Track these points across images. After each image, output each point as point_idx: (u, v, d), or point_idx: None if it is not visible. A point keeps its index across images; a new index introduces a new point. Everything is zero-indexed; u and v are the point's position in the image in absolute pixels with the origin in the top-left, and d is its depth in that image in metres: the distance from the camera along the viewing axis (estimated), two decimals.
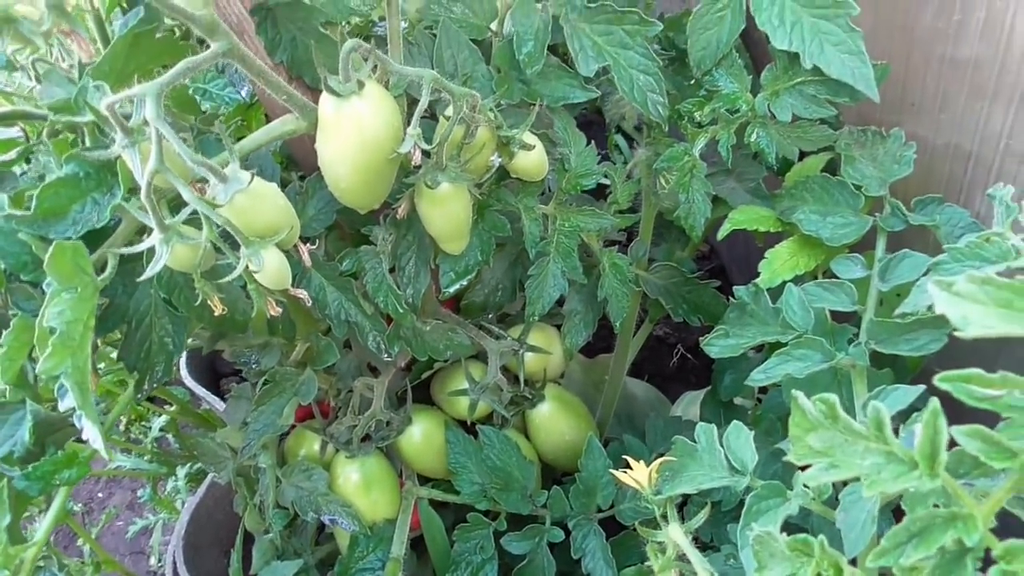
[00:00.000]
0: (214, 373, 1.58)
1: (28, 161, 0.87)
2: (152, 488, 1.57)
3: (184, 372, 1.34)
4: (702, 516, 0.56)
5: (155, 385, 0.67)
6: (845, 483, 0.54)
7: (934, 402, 0.36)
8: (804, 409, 0.40)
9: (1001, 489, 0.35)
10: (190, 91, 0.86)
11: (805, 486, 0.51)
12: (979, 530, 0.34)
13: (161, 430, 1.60)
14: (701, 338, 0.75)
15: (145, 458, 1.57)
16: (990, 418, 0.36)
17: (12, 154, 0.81)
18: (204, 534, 1.17)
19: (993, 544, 0.34)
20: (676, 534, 0.51)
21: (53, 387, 0.53)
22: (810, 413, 0.39)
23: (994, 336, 0.34)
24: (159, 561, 1.61)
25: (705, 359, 1.41)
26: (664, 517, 0.55)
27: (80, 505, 1.72)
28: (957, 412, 0.39)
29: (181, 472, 1.51)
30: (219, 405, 1.29)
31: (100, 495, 1.81)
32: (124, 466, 1.56)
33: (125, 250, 0.57)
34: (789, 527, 0.50)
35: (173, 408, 1.54)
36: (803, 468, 0.55)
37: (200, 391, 1.34)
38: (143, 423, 1.71)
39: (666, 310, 0.90)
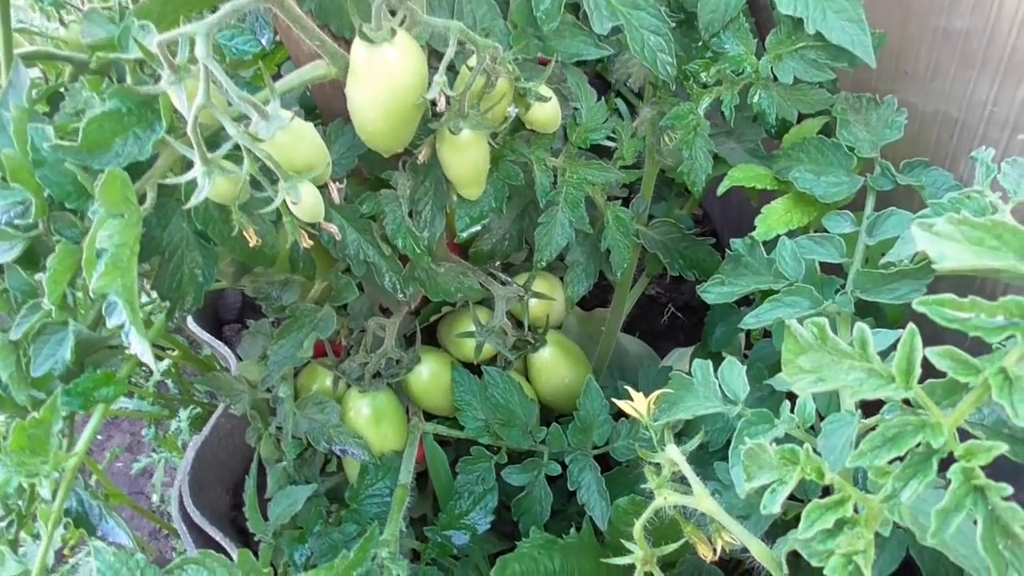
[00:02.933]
0: (216, 320, 1.62)
1: (49, 103, 0.90)
2: (154, 429, 1.62)
3: (189, 318, 1.38)
4: (697, 440, 0.61)
5: (185, 314, 0.71)
6: (823, 418, 0.59)
7: (911, 326, 0.41)
8: (797, 334, 0.45)
9: (966, 401, 0.40)
10: None
11: (791, 414, 0.56)
12: (944, 435, 0.39)
13: (162, 374, 1.64)
14: (697, 286, 0.80)
15: (147, 401, 1.61)
16: None
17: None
18: (208, 471, 1.21)
19: (955, 447, 0.39)
20: (674, 453, 0.56)
21: (102, 306, 0.57)
22: (802, 337, 0.44)
23: (966, 269, 0.39)
24: (161, 500, 1.66)
25: (694, 318, 1.47)
26: (661, 442, 0.60)
27: None
28: None
29: (184, 414, 1.56)
30: (222, 350, 1.34)
31: (99, 437, 1.85)
32: (126, 407, 1.60)
33: (165, 181, 0.61)
34: None
35: (175, 353, 1.58)
36: (791, 399, 0.60)
37: (205, 336, 1.38)
38: (143, 368, 1.74)
39: (663, 264, 0.95)
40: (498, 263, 0.93)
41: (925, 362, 0.43)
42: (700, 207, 1.54)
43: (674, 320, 1.47)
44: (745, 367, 0.85)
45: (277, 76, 0.94)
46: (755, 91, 0.75)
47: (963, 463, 0.39)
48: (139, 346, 0.55)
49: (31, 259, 0.67)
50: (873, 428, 0.47)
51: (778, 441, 0.55)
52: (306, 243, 0.61)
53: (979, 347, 0.44)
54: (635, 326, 1.42)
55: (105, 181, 0.55)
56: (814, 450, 0.51)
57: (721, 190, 0.79)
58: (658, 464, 0.60)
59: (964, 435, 0.45)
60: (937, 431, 0.39)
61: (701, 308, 0.94)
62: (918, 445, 0.40)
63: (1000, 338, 0.38)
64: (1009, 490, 0.38)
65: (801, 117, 0.79)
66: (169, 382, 1.65)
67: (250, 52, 0.91)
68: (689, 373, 0.73)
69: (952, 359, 0.39)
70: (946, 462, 0.42)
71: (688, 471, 0.55)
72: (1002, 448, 0.38)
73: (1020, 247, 0.37)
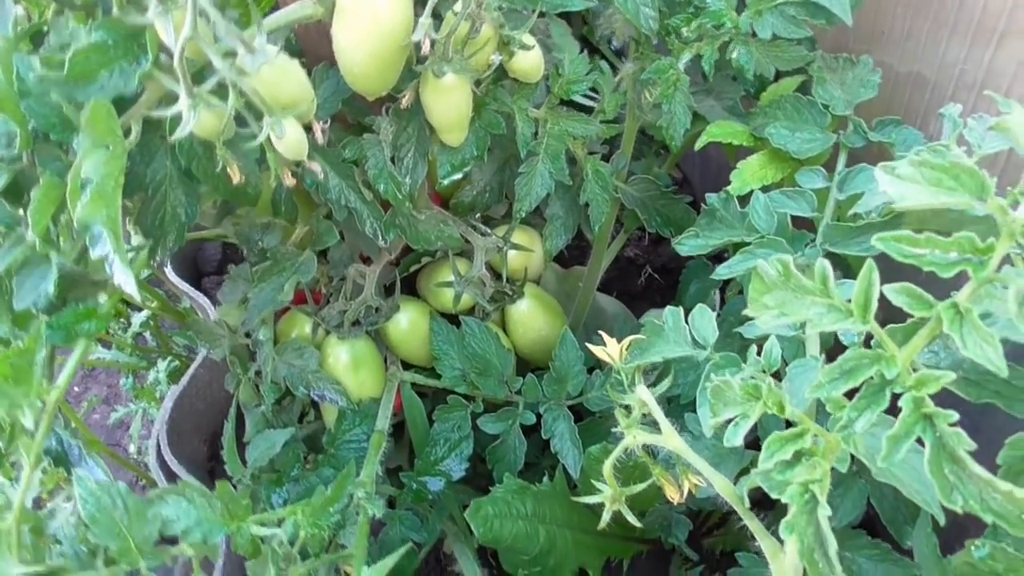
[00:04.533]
0: (196, 272, 1.62)
1: (32, 42, 0.89)
2: (132, 380, 1.62)
3: (168, 270, 1.38)
4: (667, 383, 0.63)
5: (168, 252, 0.72)
6: (787, 362, 0.61)
7: (870, 261, 0.43)
8: (763, 273, 0.46)
9: (920, 335, 0.42)
10: None
11: (757, 357, 0.58)
12: (898, 367, 0.41)
13: (140, 326, 1.64)
14: (675, 244, 0.82)
15: (125, 352, 1.61)
16: None
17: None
18: (186, 421, 1.22)
19: (907, 378, 0.41)
20: (644, 394, 0.58)
21: (86, 238, 0.58)
22: (768, 276, 0.46)
23: (925, 207, 0.40)
24: (138, 451, 1.67)
25: (670, 279, 1.49)
26: (632, 384, 0.62)
27: None
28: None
29: (162, 365, 1.56)
30: (201, 300, 1.34)
31: (76, 389, 1.84)
32: (103, 357, 1.61)
33: (152, 114, 0.61)
34: None
35: (154, 304, 1.58)
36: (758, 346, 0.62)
37: (184, 286, 1.39)
38: (122, 320, 1.74)
39: (641, 221, 0.97)
40: (478, 215, 0.94)
41: (886, 312, 0.45)
42: (679, 170, 1.56)
43: (651, 282, 1.49)
44: (718, 323, 0.88)
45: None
46: (734, 47, 0.76)
47: (913, 392, 0.41)
48: (123, 275, 0.56)
49: (14, 192, 0.67)
50: None
51: None
52: (289, 181, 0.62)
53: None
54: (612, 287, 1.44)
55: (91, 113, 0.56)
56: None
57: (699, 145, 0.80)
58: (629, 407, 0.62)
59: None
60: (891, 363, 0.41)
61: (677, 270, 0.96)
62: (873, 377, 0.42)
63: (953, 272, 0.40)
64: (955, 416, 0.40)
65: (779, 75, 0.81)
66: (147, 334, 1.66)
67: None
68: None
69: (908, 295, 0.41)
70: (899, 398, 0.44)
71: (656, 410, 0.57)
72: (951, 377, 0.40)
73: (975, 186, 0.39)
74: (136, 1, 0.61)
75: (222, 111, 0.57)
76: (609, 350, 0.66)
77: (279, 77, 0.58)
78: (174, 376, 1.57)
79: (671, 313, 0.66)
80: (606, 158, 0.93)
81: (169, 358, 1.59)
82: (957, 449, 0.39)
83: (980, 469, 0.39)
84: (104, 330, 0.69)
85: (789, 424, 0.49)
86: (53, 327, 0.67)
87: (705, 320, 0.64)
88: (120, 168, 0.58)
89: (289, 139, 0.58)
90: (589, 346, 0.67)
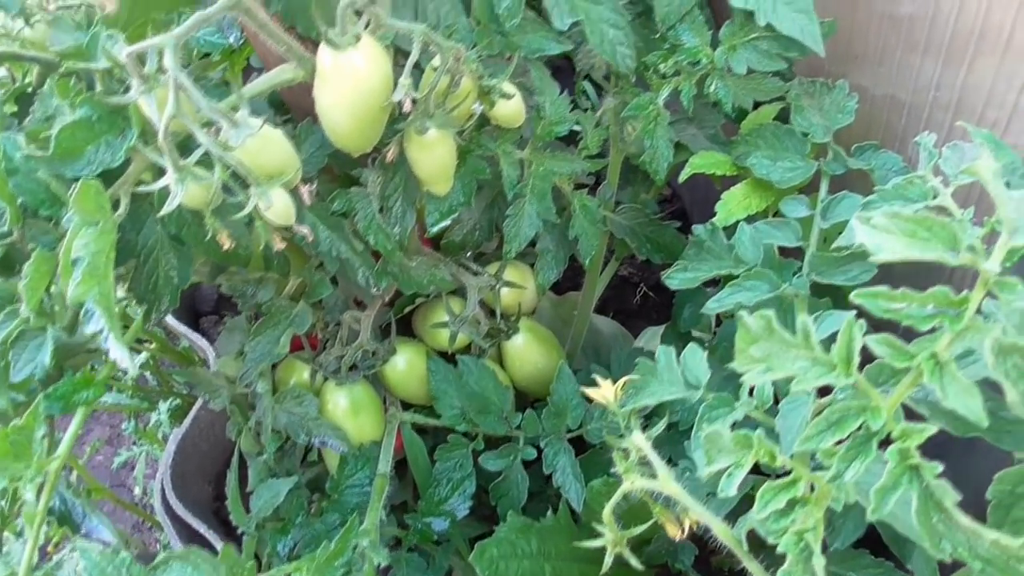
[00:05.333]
0: (194, 312, 1.62)
1: (17, 103, 0.90)
2: (134, 422, 1.62)
3: None
4: (662, 425, 0.64)
5: (162, 315, 0.73)
6: (777, 400, 0.62)
7: (851, 316, 0.43)
8: (747, 325, 0.47)
9: (902, 384, 0.42)
10: None
11: (750, 396, 0.59)
12: (883, 418, 0.42)
13: (140, 367, 1.64)
14: (664, 272, 0.82)
15: (126, 394, 1.61)
16: None
17: None
18: (189, 463, 1.22)
19: (893, 428, 0.42)
20: (639, 440, 0.59)
21: (80, 313, 0.58)
22: (752, 328, 0.47)
23: (900, 260, 0.41)
24: (143, 492, 1.67)
25: (665, 297, 1.50)
26: (628, 427, 0.63)
27: None
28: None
29: (164, 406, 1.57)
30: (200, 343, 1.35)
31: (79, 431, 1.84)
32: (106, 401, 1.61)
33: (139, 189, 0.62)
34: None
35: (153, 346, 1.58)
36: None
37: (182, 329, 1.39)
38: None
39: (631, 249, 0.97)
40: (470, 253, 0.95)
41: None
42: (669, 187, 1.57)
43: (646, 300, 1.50)
44: (713, 344, 0.89)
45: (247, 70, 0.95)
46: (711, 81, 0.77)
47: (899, 444, 0.41)
48: (117, 352, 0.57)
49: (6, 265, 0.68)
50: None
51: (739, 423, 0.57)
52: (279, 245, 0.63)
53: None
54: (608, 306, 1.44)
55: (79, 192, 0.57)
56: (772, 431, 0.54)
57: (683, 177, 0.81)
58: (627, 449, 0.63)
59: (910, 413, 0.48)
60: (876, 414, 0.42)
61: None
62: (859, 428, 0.43)
63: (930, 326, 0.40)
64: (940, 468, 0.40)
65: (757, 104, 0.82)
66: (148, 374, 1.66)
67: (217, 45, 0.91)
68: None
69: (888, 346, 0.42)
70: (887, 441, 0.44)
71: (653, 456, 0.58)
72: (932, 430, 0.41)
73: (947, 238, 0.40)
74: (118, 78, 0.62)
75: (209, 183, 0.58)
76: (604, 391, 0.67)
77: (263, 147, 0.59)
78: (176, 415, 1.57)
79: (663, 353, 0.67)
80: (594, 187, 0.94)
81: (171, 398, 1.59)
82: (944, 500, 0.40)
83: (967, 519, 0.39)
84: (101, 396, 0.70)
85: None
86: (52, 398, 0.68)
87: (696, 360, 0.64)
88: (111, 243, 0.59)
89: (277, 207, 0.59)
90: (585, 389, 0.68)
